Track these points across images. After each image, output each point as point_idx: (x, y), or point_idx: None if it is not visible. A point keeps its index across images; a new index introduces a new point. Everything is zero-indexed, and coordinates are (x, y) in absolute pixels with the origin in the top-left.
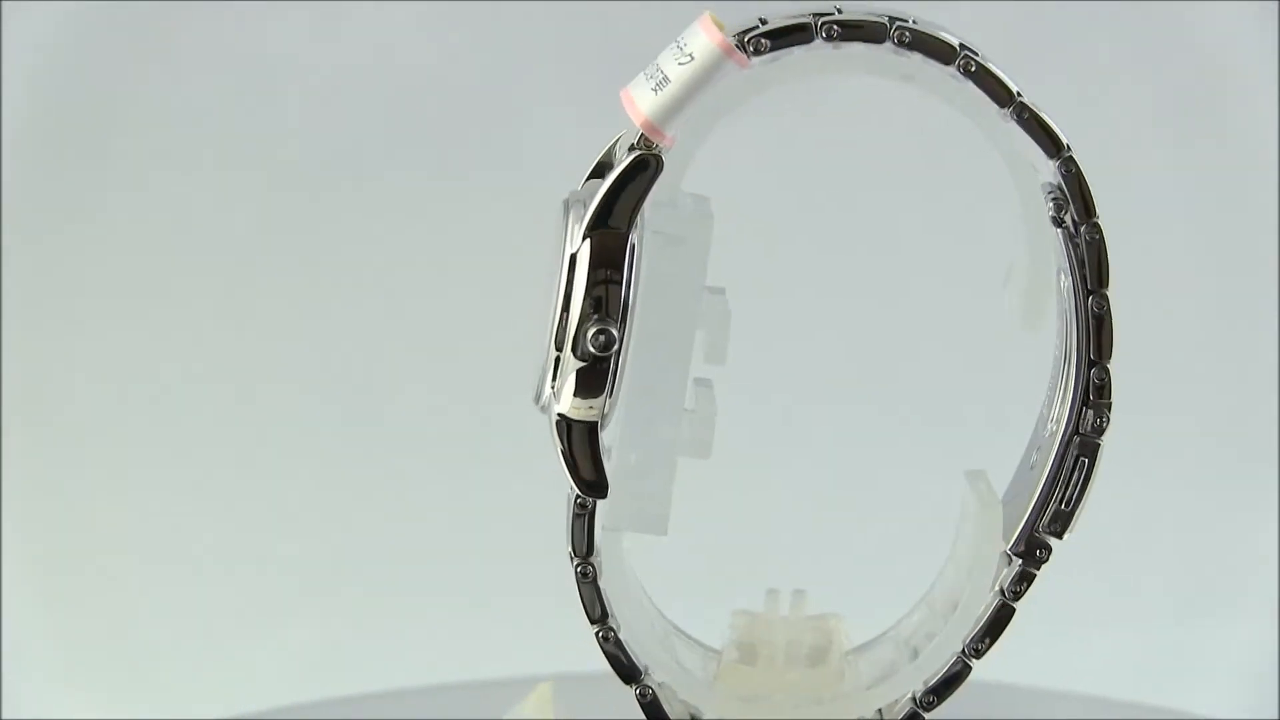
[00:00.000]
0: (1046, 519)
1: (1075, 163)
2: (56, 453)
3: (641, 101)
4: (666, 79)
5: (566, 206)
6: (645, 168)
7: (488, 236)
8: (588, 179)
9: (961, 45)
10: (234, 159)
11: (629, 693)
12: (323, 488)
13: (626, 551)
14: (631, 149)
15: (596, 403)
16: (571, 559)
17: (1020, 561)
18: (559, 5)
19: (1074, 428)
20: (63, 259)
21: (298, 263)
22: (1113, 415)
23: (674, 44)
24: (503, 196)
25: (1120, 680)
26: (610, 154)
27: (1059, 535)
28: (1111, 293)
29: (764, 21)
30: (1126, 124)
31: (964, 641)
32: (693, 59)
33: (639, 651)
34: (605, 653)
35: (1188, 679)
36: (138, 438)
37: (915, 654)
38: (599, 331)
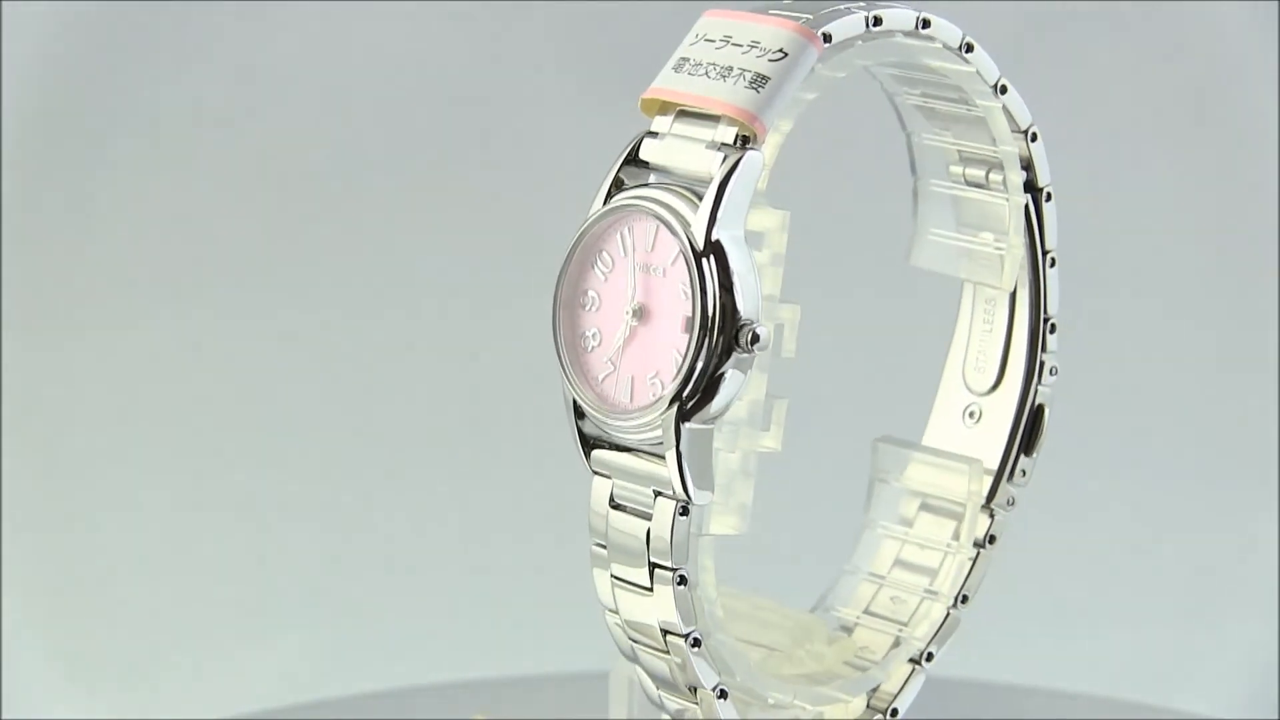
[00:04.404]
0: (1009, 470)
1: (1037, 135)
2: (56, 452)
3: (737, 99)
4: (762, 76)
5: (647, 213)
6: (754, 165)
7: (489, 237)
8: (611, 184)
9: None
10: (235, 160)
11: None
12: (323, 487)
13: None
14: (728, 148)
15: (720, 405)
16: (657, 568)
17: (991, 513)
18: (562, 6)
19: (1032, 377)
20: (63, 258)
21: (298, 264)
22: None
23: (717, 43)
24: (504, 197)
25: (1120, 680)
26: (634, 158)
27: (1021, 483)
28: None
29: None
30: (1127, 124)
31: (954, 596)
32: (784, 54)
33: (715, 652)
34: (694, 658)
35: (1188, 679)
36: (137, 437)
37: (891, 622)
38: (753, 333)
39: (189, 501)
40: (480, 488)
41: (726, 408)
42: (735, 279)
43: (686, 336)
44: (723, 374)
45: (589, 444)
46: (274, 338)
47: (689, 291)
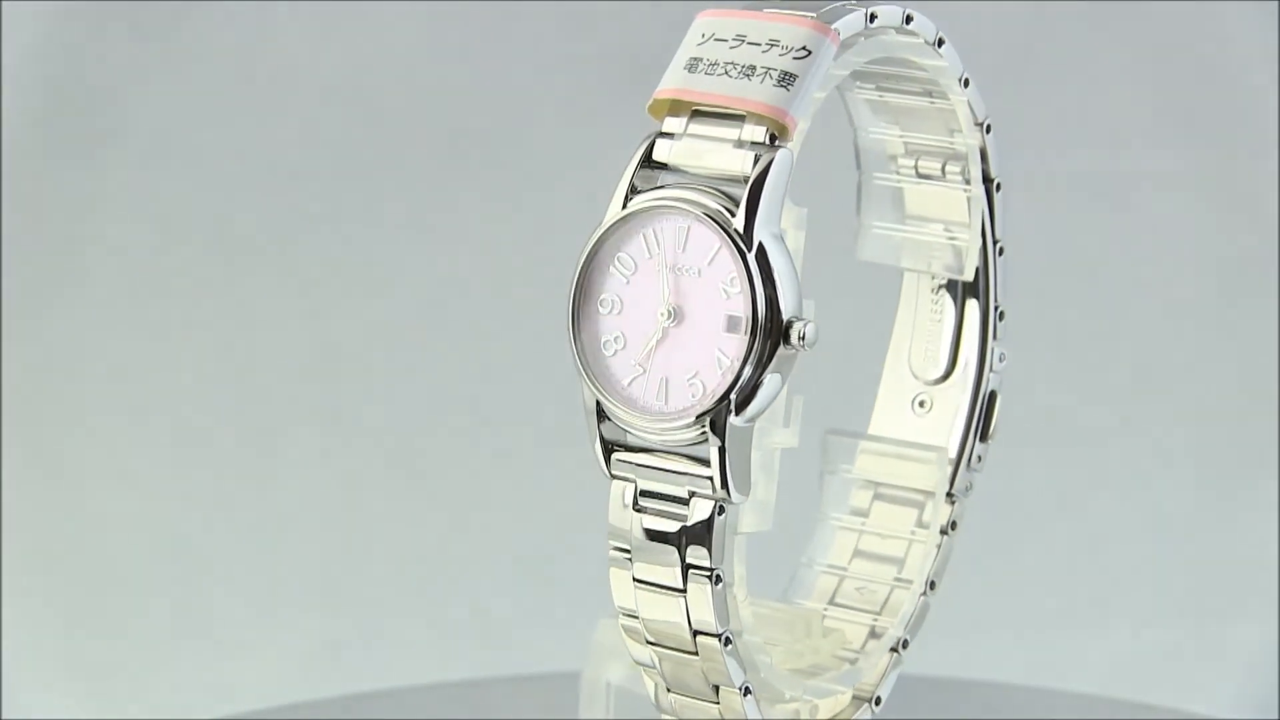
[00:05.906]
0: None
1: (991, 126)
2: (57, 451)
3: (768, 98)
4: (789, 74)
5: (682, 214)
6: (787, 162)
7: (491, 239)
8: (629, 186)
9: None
10: (235, 160)
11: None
12: (324, 487)
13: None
14: (760, 146)
15: (763, 403)
16: (691, 569)
17: (952, 501)
18: (565, 7)
19: (984, 365)
20: (63, 257)
21: (303, 263)
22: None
23: (730, 42)
24: (506, 199)
25: (1120, 680)
26: (648, 159)
27: (977, 469)
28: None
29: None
30: (1127, 124)
31: (924, 583)
32: (808, 52)
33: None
34: (727, 658)
35: (1188, 679)
36: (138, 436)
37: (863, 612)
38: (803, 331)
39: (190, 501)
40: (483, 486)
41: (768, 405)
42: (778, 276)
43: (732, 336)
44: (766, 372)
45: (608, 447)
46: (277, 337)
47: (732, 291)
